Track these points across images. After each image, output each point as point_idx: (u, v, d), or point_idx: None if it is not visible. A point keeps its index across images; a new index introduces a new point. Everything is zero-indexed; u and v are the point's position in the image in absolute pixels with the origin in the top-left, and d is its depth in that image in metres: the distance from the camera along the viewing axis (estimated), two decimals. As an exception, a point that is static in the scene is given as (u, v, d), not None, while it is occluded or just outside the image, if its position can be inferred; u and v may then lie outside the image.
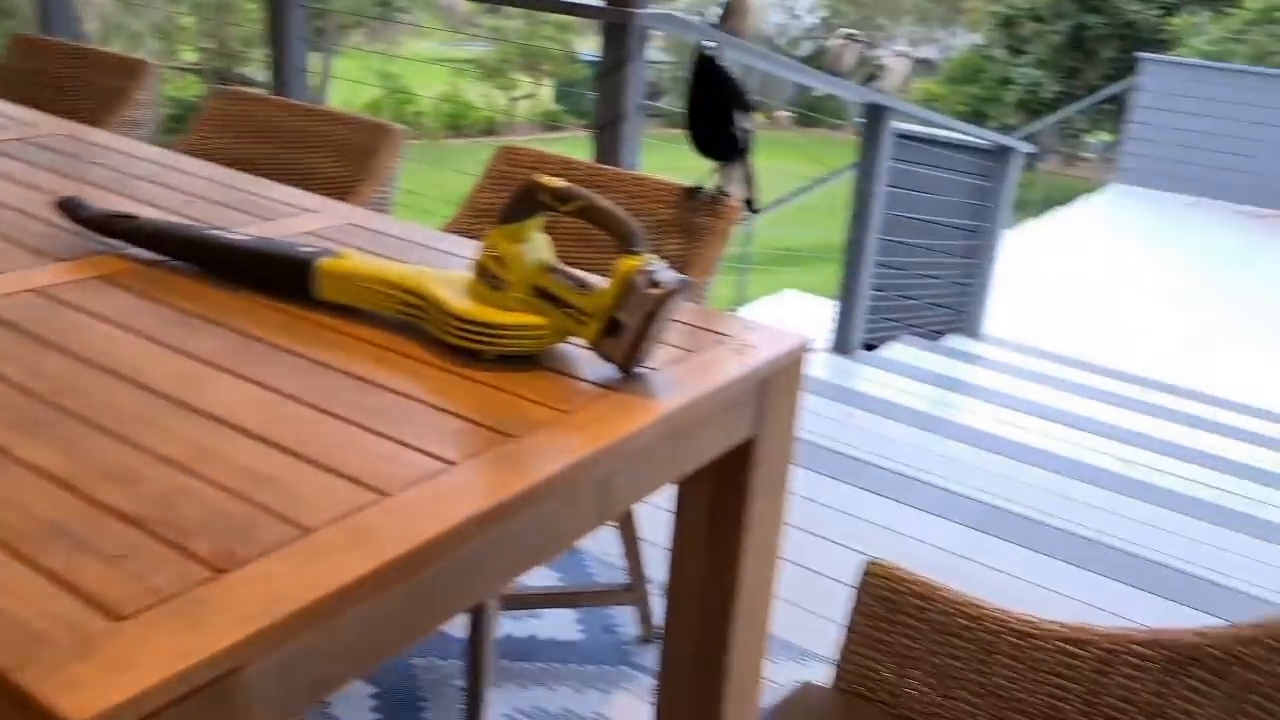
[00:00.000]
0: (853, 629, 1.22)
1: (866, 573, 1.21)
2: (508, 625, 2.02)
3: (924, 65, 20.70)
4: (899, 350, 4.88)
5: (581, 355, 1.20)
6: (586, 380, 1.17)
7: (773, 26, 19.01)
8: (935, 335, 5.39)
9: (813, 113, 14.48)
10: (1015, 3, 13.99)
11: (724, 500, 1.46)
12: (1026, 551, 2.62)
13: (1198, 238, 8.37)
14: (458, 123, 15.74)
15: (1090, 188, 10.38)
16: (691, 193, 1.89)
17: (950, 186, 5.21)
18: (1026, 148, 5.28)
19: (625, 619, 2.09)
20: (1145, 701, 1.08)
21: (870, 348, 4.92)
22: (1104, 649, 1.10)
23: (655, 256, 1.15)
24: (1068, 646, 1.11)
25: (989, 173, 5.17)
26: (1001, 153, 5.13)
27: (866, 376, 4.34)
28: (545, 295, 1.15)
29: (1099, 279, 7.52)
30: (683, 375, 1.31)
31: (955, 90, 15.12)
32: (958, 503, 2.87)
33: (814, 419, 3.50)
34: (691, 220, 1.91)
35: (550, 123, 16.50)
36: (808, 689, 1.23)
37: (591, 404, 1.12)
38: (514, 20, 16.24)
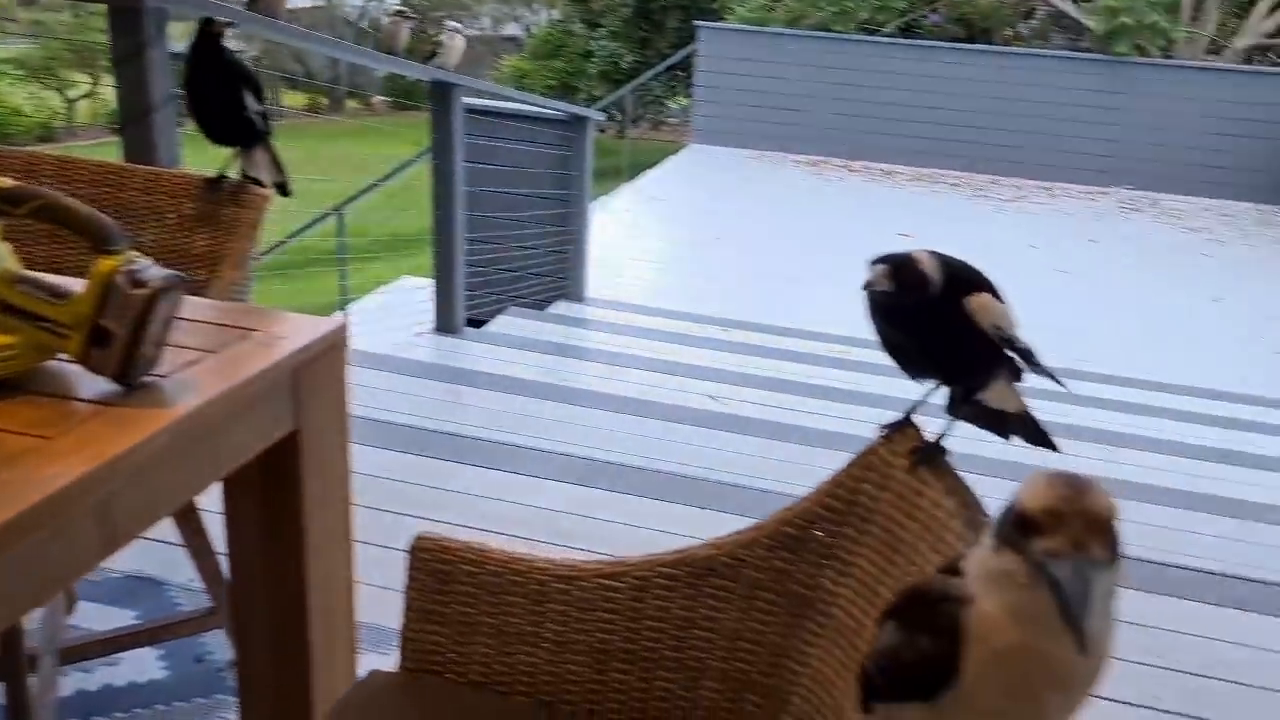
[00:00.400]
0: (410, 607, 1.21)
1: (414, 548, 1.21)
2: (75, 680, 1.82)
3: (510, 42, 21.08)
4: (505, 323, 4.97)
5: (77, 372, 1.09)
6: (82, 399, 1.06)
7: (352, 9, 18.42)
8: (542, 304, 5.55)
9: (407, 98, 14.27)
10: (586, -22, 14.61)
11: (276, 498, 1.40)
12: (631, 498, 2.77)
13: (763, 187, 9.29)
14: (3, 131, 13.79)
15: (674, 150, 11.15)
16: (215, 183, 1.78)
17: (534, 158, 5.35)
18: (598, 116, 5.54)
19: (218, 644, 1.96)
20: (678, 616, 1.18)
21: (479, 324, 4.97)
22: (638, 576, 1.18)
23: (138, 254, 1.06)
24: (607, 581, 1.18)
25: (568, 142, 5.37)
26: (577, 122, 5.35)
27: (474, 353, 4.37)
28: (11, 310, 1.03)
29: (682, 233, 8.11)
30: (200, 377, 1.23)
31: (542, 66, 15.55)
32: (565, 463, 2.97)
33: (420, 403, 3.47)
34: (218, 213, 1.80)
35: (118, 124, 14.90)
36: (373, 676, 1.22)
37: (84, 424, 1.02)
38: (59, 13, 14.48)
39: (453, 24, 3.71)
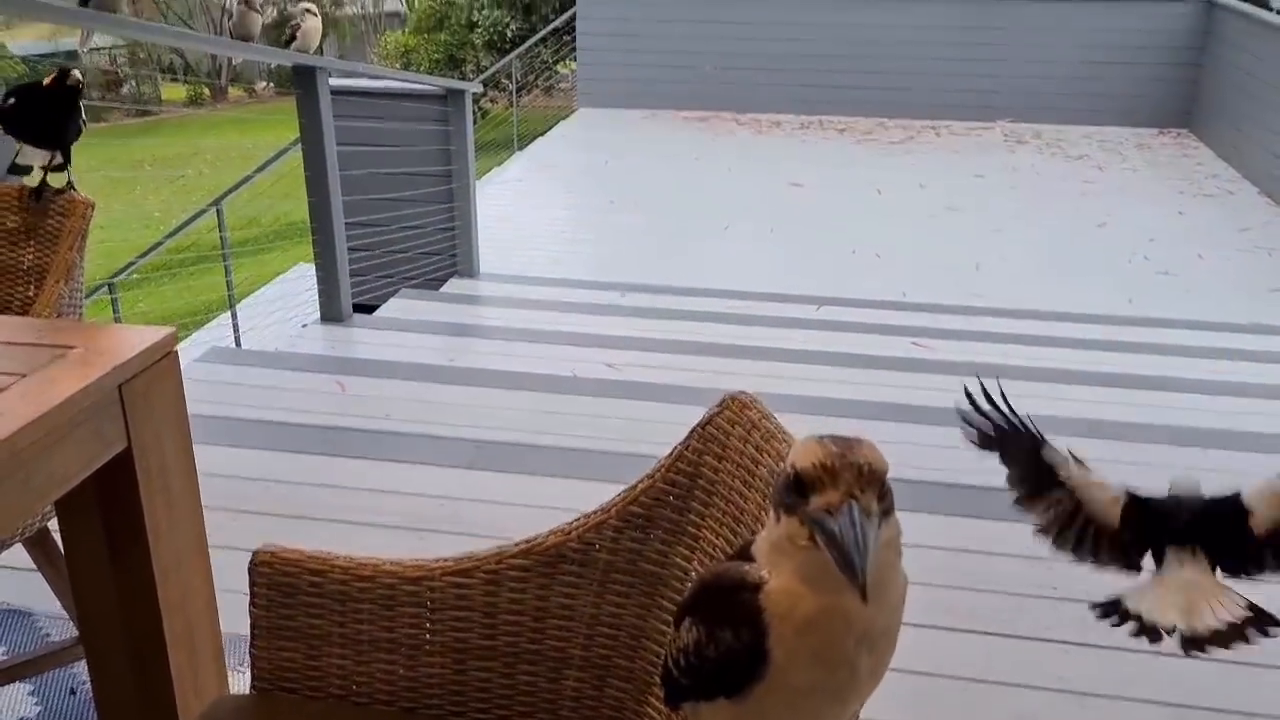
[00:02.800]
0: (256, 625, 1.16)
1: (253, 564, 1.15)
2: (-67, 731, 1.72)
3: (394, 18, 20.55)
4: (397, 306, 4.86)
5: None
6: None
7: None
8: (436, 284, 5.44)
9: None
10: (462, -55, 14.26)
11: (115, 520, 1.33)
12: (516, 476, 2.73)
13: (654, 146, 9.23)
14: None
15: (565, 115, 11.01)
16: (37, 194, 1.67)
17: (414, 136, 5.21)
18: (475, 88, 5.42)
19: (91, 675, 1.87)
20: (533, 607, 1.15)
21: (371, 309, 4.85)
22: (488, 571, 1.14)
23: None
24: (457, 579, 1.14)
25: (447, 117, 5.24)
26: (454, 96, 5.22)
27: (364, 340, 4.27)
28: None
29: (578, 199, 8.03)
30: (6, 405, 1.15)
31: (427, 39, 15.18)
32: (458, 447, 2.92)
33: (307, 398, 3.37)
34: (42, 225, 1.69)
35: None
36: (220, 702, 1.16)
37: None
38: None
39: (305, 4, 3.56)
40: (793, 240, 6.53)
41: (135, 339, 1.34)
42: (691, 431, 1.07)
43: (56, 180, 1.73)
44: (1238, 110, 8.58)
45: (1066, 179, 8.14)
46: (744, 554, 0.64)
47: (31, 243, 1.71)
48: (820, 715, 0.63)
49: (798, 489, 0.58)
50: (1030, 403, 3.72)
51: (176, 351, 1.39)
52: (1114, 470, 2.89)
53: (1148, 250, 6.33)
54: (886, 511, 0.59)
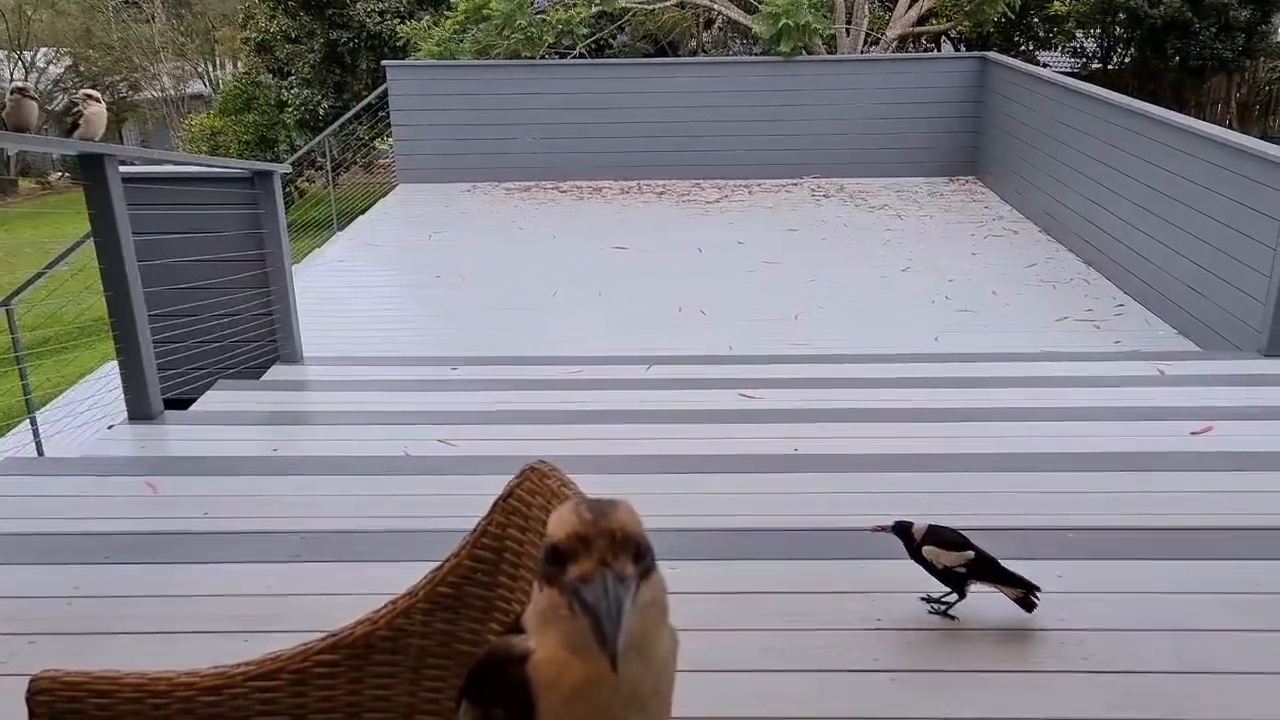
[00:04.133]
0: (40, 760, 1.07)
1: (31, 692, 1.07)
2: None
3: (198, 100, 19.96)
4: (213, 398, 4.65)
5: None
6: None
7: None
8: (259, 371, 5.24)
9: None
10: (266, 27, 14.04)
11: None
12: (346, 565, 2.65)
13: (477, 219, 9.25)
14: None
15: (385, 192, 10.90)
16: None
17: (222, 220, 5.05)
18: (284, 169, 5.31)
19: None
20: (347, 701, 1.11)
21: (185, 404, 4.62)
22: (294, 670, 1.10)
23: None
24: (260, 684, 1.10)
25: (256, 199, 5.10)
26: (262, 177, 5.09)
27: (178, 436, 4.06)
28: None
29: (402, 275, 7.94)
30: None
31: (235, 120, 14.81)
32: (274, 540, 2.80)
33: (114, 504, 3.17)
34: None
35: None
36: None
37: None
38: None
39: (89, 91, 3.42)
40: (620, 302, 6.64)
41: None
42: (494, 505, 1.07)
43: None
44: (1015, 156, 9.33)
45: (871, 228, 8.62)
46: (516, 626, 0.65)
47: None
48: (600, 780, 0.63)
49: (555, 559, 0.59)
50: (853, 442, 3.88)
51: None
52: (928, 499, 3.03)
53: (948, 290, 6.75)
54: (646, 572, 0.60)
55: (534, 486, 1.04)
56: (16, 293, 5.21)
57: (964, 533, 2.32)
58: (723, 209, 9.48)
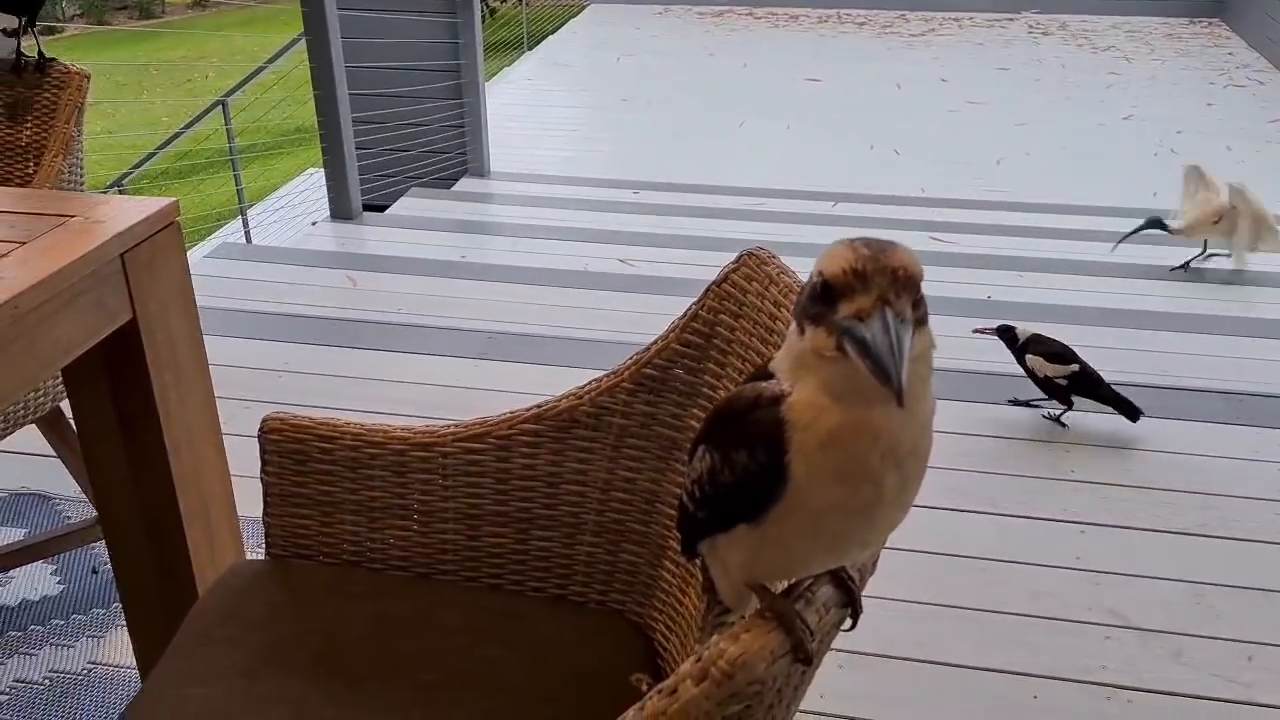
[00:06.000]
0: (268, 492, 1.15)
1: (263, 430, 1.14)
2: (-41, 605, 1.75)
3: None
4: (407, 204, 4.80)
5: None
6: None
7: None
8: (447, 183, 5.36)
9: (290, -24, 13.45)
10: None
11: (124, 393, 1.31)
12: (528, 366, 2.72)
13: (668, 43, 8.99)
14: None
15: (576, 12, 10.72)
16: (18, 67, 1.62)
17: (420, 28, 5.08)
18: (483, -23, 5.25)
19: (112, 555, 1.89)
20: (546, 472, 1.13)
21: (381, 209, 4.79)
22: (500, 436, 1.13)
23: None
24: (469, 444, 1.13)
25: (454, 9, 5.09)
26: (462, -14, 5.06)
27: (375, 237, 4.22)
28: None
29: (590, 98, 7.86)
30: (6, 271, 1.13)
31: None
32: (462, 338, 2.90)
33: (319, 293, 3.35)
34: (36, 98, 1.64)
35: None
36: (236, 568, 1.16)
37: None
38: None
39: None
40: (809, 136, 6.38)
41: (136, 208, 1.31)
42: (706, 289, 1.04)
43: (30, 51, 1.68)
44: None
45: (1093, 71, 7.90)
46: (762, 374, 0.61)
47: (28, 118, 1.67)
48: (844, 538, 0.60)
49: (825, 297, 0.55)
50: (1047, 293, 3.66)
51: (179, 222, 1.36)
52: (1126, 358, 2.84)
53: (1175, 143, 6.17)
54: (920, 321, 0.55)
55: (750, 272, 0.99)
56: (231, 91, 5.44)
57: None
58: (928, 43, 8.87)
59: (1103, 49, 8.57)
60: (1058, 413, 2.42)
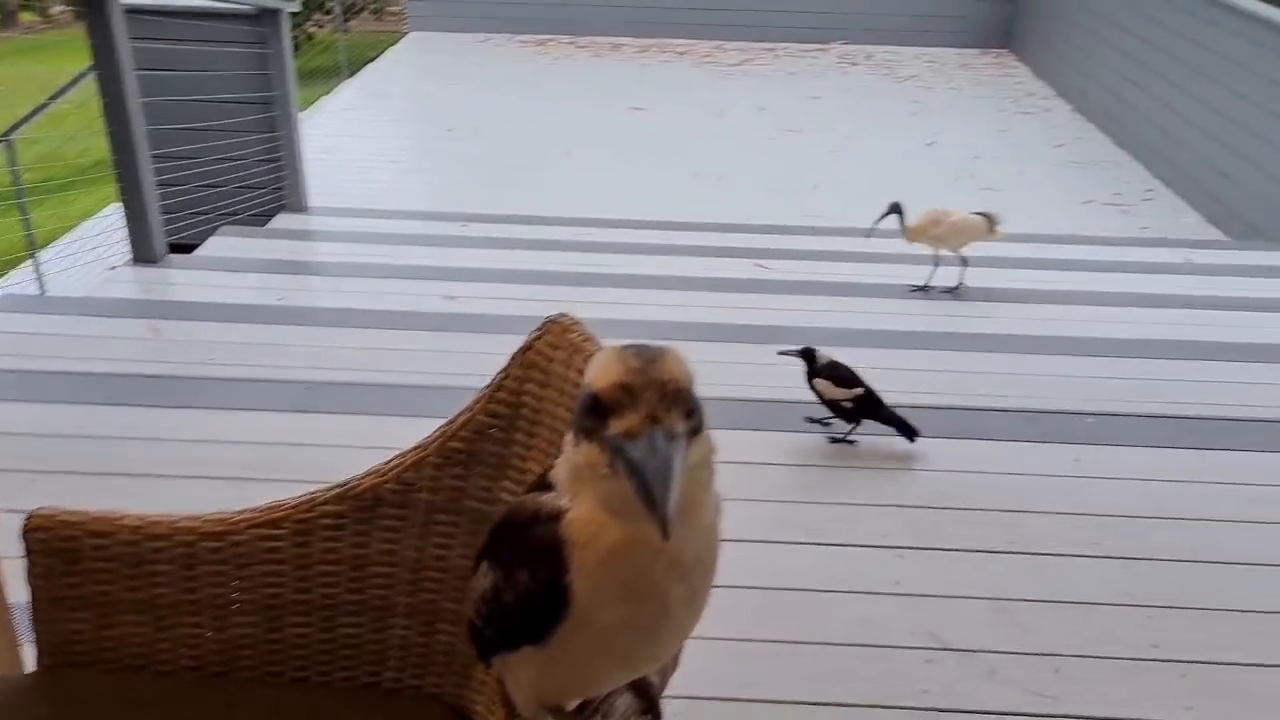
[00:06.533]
0: (35, 596, 1.04)
1: (26, 529, 1.03)
2: None
3: (203, -68, 19.12)
4: (218, 244, 4.56)
5: None
6: None
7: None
8: (264, 219, 5.13)
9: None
10: None
11: None
12: (350, 417, 2.61)
13: (490, 72, 8.94)
14: None
15: (395, 40, 10.53)
16: None
17: (227, 60, 4.86)
18: (291, 6, 5.07)
19: None
20: (351, 555, 1.07)
21: (190, 249, 4.53)
22: (299, 520, 1.06)
23: None
24: (265, 531, 1.05)
25: (263, 39, 4.90)
26: (269, 15, 4.87)
27: (182, 280, 3.99)
28: None
29: (412, 128, 7.72)
30: None
31: (240, -44, 14.20)
32: (278, 390, 2.76)
33: (119, 345, 3.13)
34: None
35: None
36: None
37: None
38: None
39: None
40: (635, 165, 6.46)
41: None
42: (512, 358, 1.00)
43: None
44: (1051, 30, 8.94)
45: (897, 99, 8.33)
46: (542, 484, 0.58)
47: None
48: (634, 654, 0.58)
49: (596, 411, 0.52)
50: (864, 318, 3.80)
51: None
52: (944, 378, 2.98)
53: (973, 168, 6.56)
54: (695, 430, 0.53)
55: (555, 340, 0.97)
56: (17, 125, 5.05)
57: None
58: (745, 72, 9.16)
59: (906, 78, 9.05)
60: (844, 433, 2.56)
